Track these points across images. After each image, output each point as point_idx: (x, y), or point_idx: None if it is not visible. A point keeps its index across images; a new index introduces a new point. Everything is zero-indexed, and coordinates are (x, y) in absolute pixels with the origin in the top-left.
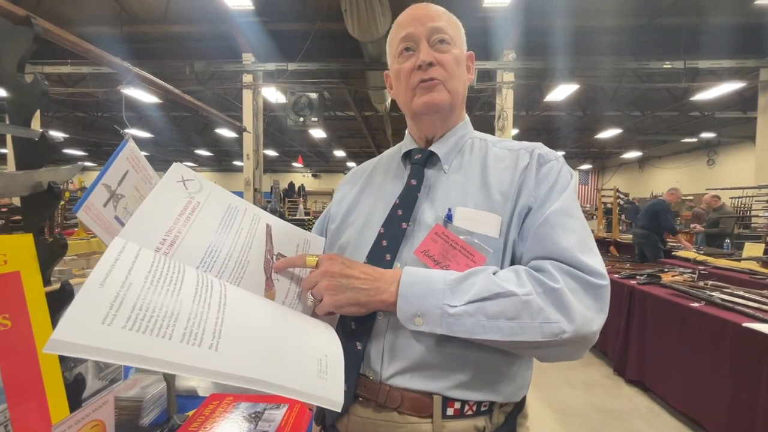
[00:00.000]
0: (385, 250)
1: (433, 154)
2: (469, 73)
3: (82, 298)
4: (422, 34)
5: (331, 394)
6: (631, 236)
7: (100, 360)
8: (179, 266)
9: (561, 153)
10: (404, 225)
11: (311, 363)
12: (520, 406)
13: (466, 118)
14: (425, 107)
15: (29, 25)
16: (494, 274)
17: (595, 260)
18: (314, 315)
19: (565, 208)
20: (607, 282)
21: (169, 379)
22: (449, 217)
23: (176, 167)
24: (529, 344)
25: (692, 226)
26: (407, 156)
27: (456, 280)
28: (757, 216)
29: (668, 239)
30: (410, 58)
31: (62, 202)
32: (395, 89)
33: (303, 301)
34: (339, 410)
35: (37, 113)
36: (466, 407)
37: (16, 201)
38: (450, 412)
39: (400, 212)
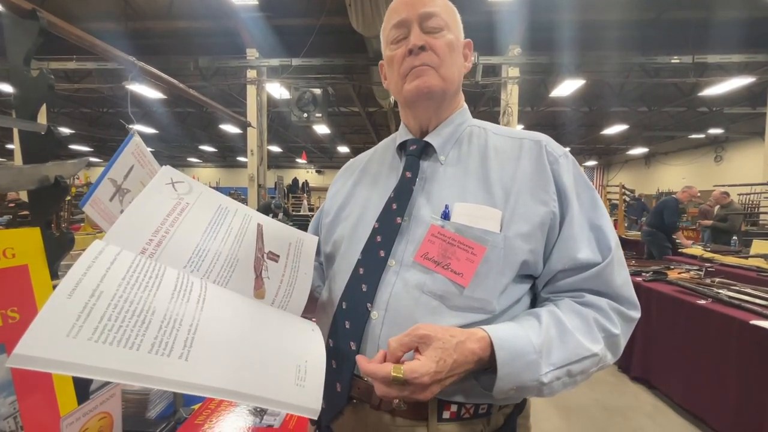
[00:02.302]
0: (379, 246)
1: (428, 144)
2: (467, 61)
3: (48, 310)
4: (413, 18)
5: (308, 402)
6: (636, 233)
7: (62, 373)
8: (159, 269)
9: (567, 149)
10: (398, 220)
11: (289, 370)
12: (520, 407)
13: (464, 106)
14: (416, 92)
15: (35, 19)
16: (563, 318)
17: (633, 291)
18: (288, 307)
19: (617, 238)
20: (639, 314)
21: None
22: (446, 215)
23: (165, 170)
24: None
25: (698, 222)
26: (402, 147)
27: (542, 344)
28: (765, 213)
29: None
30: (402, 44)
31: (68, 198)
32: (388, 77)
33: (293, 299)
34: (315, 417)
35: (44, 108)
36: (463, 410)
37: (24, 196)
38: (446, 415)
39: (394, 206)
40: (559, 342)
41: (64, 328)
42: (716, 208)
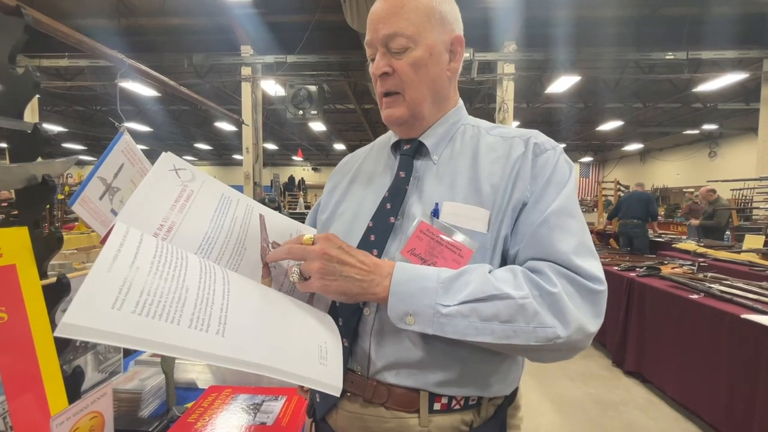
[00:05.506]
0: (372, 245)
1: (422, 144)
2: (455, 58)
3: (91, 282)
4: (377, 41)
5: (331, 379)
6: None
7: (109, 343)
8: (181, 252)
9: (562, 145)
10: (392, 219)
11: (312, 349)
12: (510, 398)
13: (460, 103)
14: (388, 121)
15: (19, 16)
16: (490, 272)
17: (594, 264)
18: (295, 293)
19: (565, 207)
20: (604, 287)
21: (167, 371)
22: (435, 213)
23: (167, 156)
24: (521, 347)
25: (688, 221)
26: (396, 146)
27: (450, 279)
28: (758, 208)
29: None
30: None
31: (61, 197)
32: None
33: (296, 285)
34: (338, 395)
35: (35, 107)
36: (454, 402)
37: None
38: (437, 407)
39: (388, 206)
40: (473, 286)
41: (108, 300)
42: (706, 204)
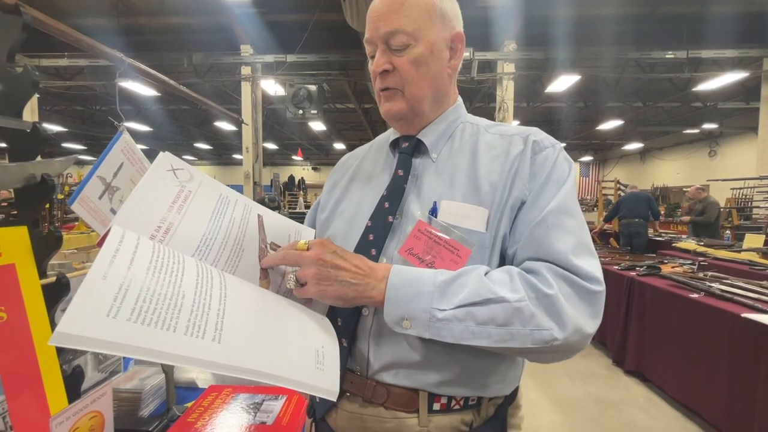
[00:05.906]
0: (371, 245)
1: (420, 142)
2: (455, 55)
3: (86, 290)
4: (378, 39)
5: (328, 384)
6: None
7: (104, 352)
8: (179, 256)
9: (562, 144)
10: (390, 218)
11: (309, 354)
12: (511, 398)
13: (459, 101)
14: (387, 116)
15: (18, 14)
16: (486, 274)
17: (592, 264)
18: (292, 295)
19: (563, 205)
20: (602, 288)
21: (168, 370)
22: (433, 212)
23: (164, 156)
24: (518, 350)
25: (681, 218)
26: (395, 145)
27: (445, 282)
28: (758, 207)
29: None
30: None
31: (61, 196)
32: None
33: (293, 291)
34: (335, 399)
35: (35, 107)
36: (453, 402)
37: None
38: (436, 407)
39: (386, 205)
40: (469, 289)
41: (104, 308)
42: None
